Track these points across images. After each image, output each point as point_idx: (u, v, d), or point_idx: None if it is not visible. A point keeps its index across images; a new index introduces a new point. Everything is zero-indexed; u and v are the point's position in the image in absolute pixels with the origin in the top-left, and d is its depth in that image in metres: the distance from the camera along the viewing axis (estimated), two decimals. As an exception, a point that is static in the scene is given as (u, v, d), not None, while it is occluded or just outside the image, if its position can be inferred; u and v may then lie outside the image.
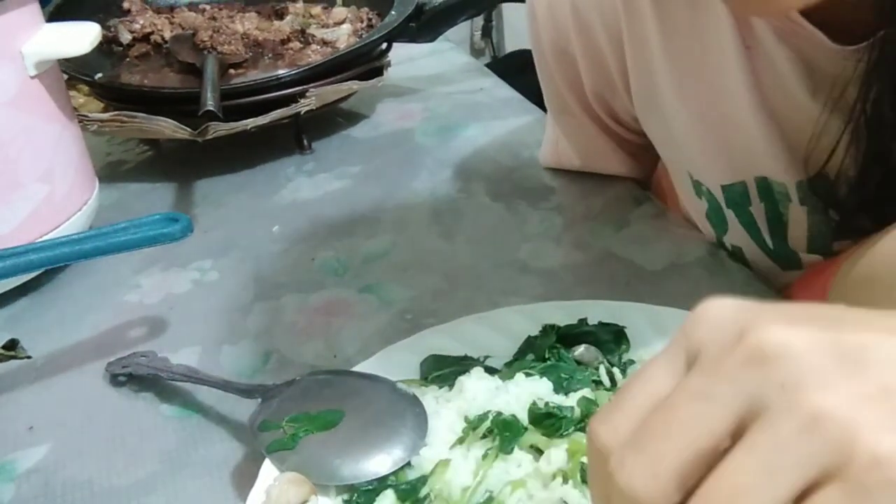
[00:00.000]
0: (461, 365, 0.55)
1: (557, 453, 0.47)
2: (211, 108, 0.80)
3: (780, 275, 0.68)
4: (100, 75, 0.92)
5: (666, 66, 0.65)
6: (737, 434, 0.27)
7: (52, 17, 0.89)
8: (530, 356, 0.56)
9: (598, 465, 0.29)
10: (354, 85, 0.91)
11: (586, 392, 0.52)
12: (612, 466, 0.28)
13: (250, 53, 0.96)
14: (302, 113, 0.88)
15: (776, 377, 0.26)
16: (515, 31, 2.41)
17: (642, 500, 0.27)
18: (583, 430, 0.50)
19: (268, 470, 0.49)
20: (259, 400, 0.54)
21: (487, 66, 1.20)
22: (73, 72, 0.89)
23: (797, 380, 0.26)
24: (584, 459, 0.47)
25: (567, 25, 0.72)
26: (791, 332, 0.27)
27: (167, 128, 0.85)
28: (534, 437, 0.50)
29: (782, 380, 0.26)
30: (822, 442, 0.26)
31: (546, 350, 0.56)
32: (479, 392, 0.52)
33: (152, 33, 1.00)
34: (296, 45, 0.98)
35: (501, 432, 0.50)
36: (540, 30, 0.75)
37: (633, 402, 0.29)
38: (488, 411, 0.51)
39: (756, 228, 0.66)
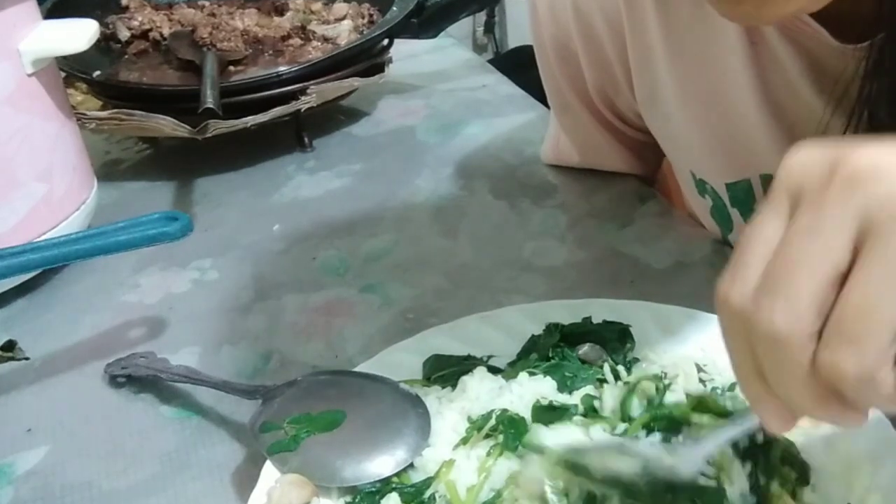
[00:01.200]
0: (464, 365, 0.55)
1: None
2: (210, 106, 0.79)
3: None
4: (98, 73, 0.92)
5: (668, 62, 0.64)
6: (856, 254, 0.29)
7: (50, 14, 0.88)
8: (534, 355, 0.56)
9: (735, 325, 0.32)
10: (355, 82, 0.91)
11: (590, 391, 0.52)
12: (751, 317, 0.30)
13: (250, 50, 0.96)
14: (302, 110, 0.88)
15: (876, 194, 0.29)
16: (518, 27, 2.40)
17: (788, 337, 0.30)
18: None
19: (269, 471, 0.49)
20: (260, 401, 0.54)
21: (490, 62, 1.20)
22: (70, 69, 0.89)
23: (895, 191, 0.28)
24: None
25: (568, 21, 0.72)
26: (879, 152, 0.29)
27: (166, 126, 0.85)
28: (538, 432, 0.49)
29: (882, 195, 0.29)
30: None
31: (550, 349, 0.55)
32: (482, 392, 0.52)
33: (151, 30, 1.00)
34: (296, 41, 0.97)
35: (507, 429, 0.49)
36: (541, 26, 0.75)
37: (754, 256, 0.31)
38: (493, 409, 0.50)
39: None
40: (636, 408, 0.49)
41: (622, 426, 0.49)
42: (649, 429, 0.48)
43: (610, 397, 0.50)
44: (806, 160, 0.31)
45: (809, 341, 0.30)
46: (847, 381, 0.29)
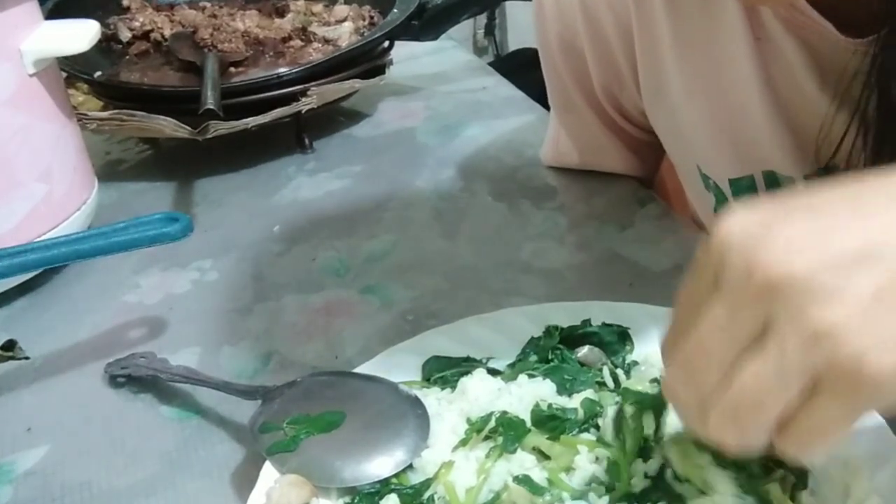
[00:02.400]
0: (463, 366, 0.55)
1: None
2: (211, 107, 0.79)
3: None
4: (99, 73, 0.92)
5: (675, 57, 0.65)
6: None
7: (51, 14, 0.88)
8: (533, 357, 0.56)
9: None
10: (356, 83, 0.91)
11: (590, 393, 0.52)
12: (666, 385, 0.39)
13: (251, 51, 0.96)
14: (303, 112, 0.88)
15: (785, 307, 0.33)
16: (519, 29, 2.41)
17: (690, 408, 0.37)
18: (586, 431, 0.49)
19: (268, 472, 0.49)
20: (259, 401, 0.54)
21: (490, 64, 1.20)
22: (71, 70, 0.89)
23: (800, 303, 0.32)
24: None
25: (575, 19, 0.72)
26: (792, 259, 0.33)
27: (167, 126, 0.85)
28: (537, 438, 0.49)
29: (788, 305, 0.32)
30: (822, 355, 0.32)
31: (549, 351, 0.55)
32: (481, 393, 0.52)
33: (152, 31, 1.00)
34: (297, 43, 0.97)
35: (506, 431, 0.49)
36: (547, 24, 0.75)
37: (681, 323, 0.37)
38: (492, 411, 0.50)
39: None
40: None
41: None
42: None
43: (612, 420, 0.48)
44: (734, 239, 0.34)
45: (706, 409, 0.35)
46: (728, 447, 0.36)
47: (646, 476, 0.45)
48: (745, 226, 0.34)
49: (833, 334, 0.32)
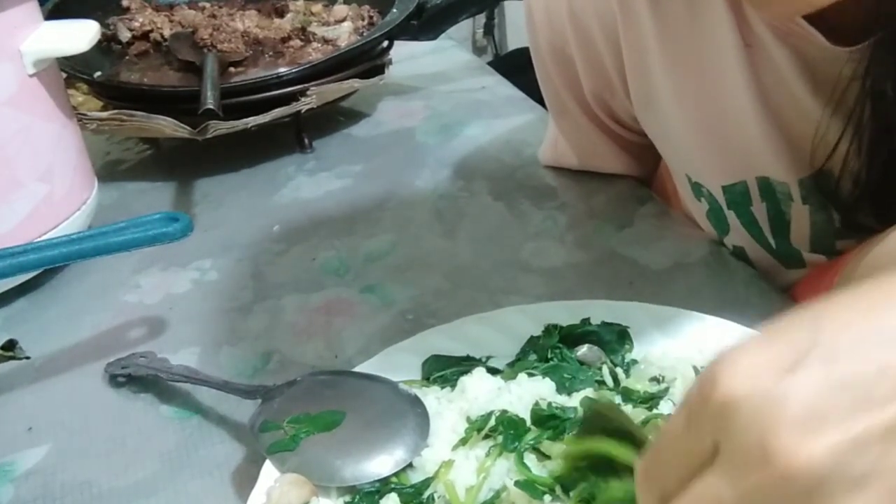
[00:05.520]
0: (463, 365, 0.55)
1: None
2: (211, 107, 0.79)
3: (784, 273, 0.67)
4: (99, 74, 0.92)
5: (664, 66, 0.64)
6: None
7: (51, 14, 0.89)
8: (533, 356, 0.56)
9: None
10: (355, 83, 0.91)
11: (589, 392, 0.52)
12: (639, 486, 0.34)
13: (250, 51, 0.96)
14: (302, 111, 0.88)
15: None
16: (518, 28, 2.40)
17: None
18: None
19: (268, 471, 0.49)
20: (259, 401, 0.54)
21: (489, 64, 1.20)
22: (71, 70, 0.89)
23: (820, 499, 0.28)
24: None
25: (564, 27, 0.72)
26: (813, 446, 0.28)
27: (167, 126, 0.85)
28: (537, 438, 0.49)
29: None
30: None
31: (549, 350, 0.55)
32: (481, 392, 0.52)
33: (152, 31, 1.00)
34: (296, 43, 0.97)
35: (506, 430, 0.49)
36: (537, 31, 0.75)
37: (658, 451, 0.33)
38: (492, 410, 0.50)
39: (758, 228, 0.66)
40: None
41: None
42: None
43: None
44: (741, 400, 0.30)
45: None
46: None
47: None
48: (753, 378, 0.29)
49: None
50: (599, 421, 0.43)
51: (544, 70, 0.77)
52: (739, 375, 0.29)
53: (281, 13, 1.03)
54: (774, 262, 0.67)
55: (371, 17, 1.01)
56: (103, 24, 0.97)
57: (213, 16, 1.01)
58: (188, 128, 0.84)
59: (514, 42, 2.46)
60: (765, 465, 0.28)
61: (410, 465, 0.49)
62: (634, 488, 0.35)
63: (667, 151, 0.72)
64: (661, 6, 0.63)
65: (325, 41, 0.97)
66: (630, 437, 0.41)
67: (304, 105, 0.87)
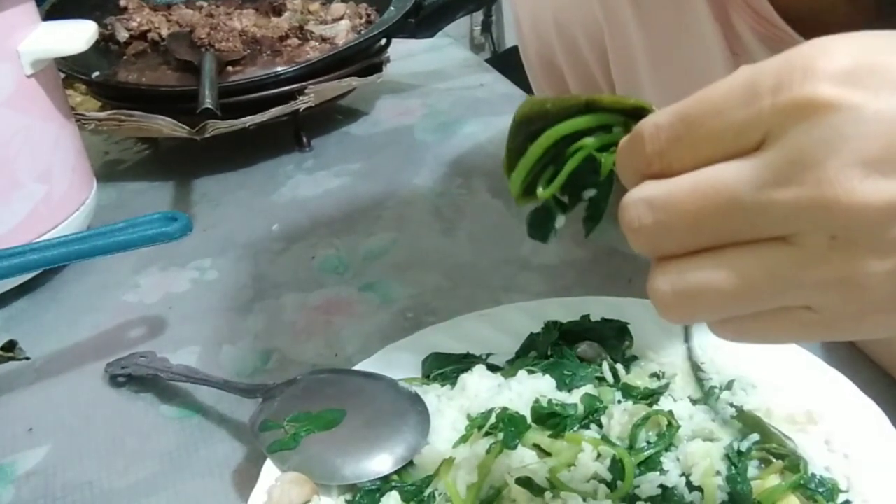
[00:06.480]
0: (463, 363, 0.55)
1: None
2: (209, 106, 0.79)
3: None
4: (97, 74, 0.92)
5: (651, 74, 0.64)
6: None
7: (49, 15, 0.88)
8: (533, 353, 0.56)
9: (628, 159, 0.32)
10: (353, 81, 0.91)
11: (589, 389, 0.52)
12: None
13: (248, 50, 0.96)
14: (301, 110, 0.88)
15: (843, 229, 0.27)
16: (515, 26, 2.40)
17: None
18: (587, 427, 0.49)
19: (269, 470, 0.49)
20: (260, 400, 0.54)
21: (487, 61, 1.20)
22: (69, 70, 0.89)
23: (857, 241, 0.27)
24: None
25: (551, 38, 0.72)
26: (882, 188, 0.26)
27: (165, 126, 0.85)
28: (537, 435, 0.49)
29: (847, 233, 0.27)
30: (837, 300, 0.28)
31: (548, 347, 0.55)
32: (481, 390, 0.52)
33: (149, 31, 1.00)
34: (294, 41, 0.97)
35: (507, 427, 0.49)
36: (526, 42, 0.76)
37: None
38: (492, 407, 0.50)
39: None
40: (644, 440, 0.47)
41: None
42: None
43: (617, 423, 0.49)
44: (794, 61, 0.28)
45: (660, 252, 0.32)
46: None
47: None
48: (850, 88, 0.27)
49: (866, 287, 0.27)
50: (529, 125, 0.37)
51: (535, 79, 0.78)
52: (837, 80, 0.27)
53: (278, 12, 1.03)
54: None
55: (369, 15, 1.01)
56: (101, 24, 0.97)
57: (211, 15, 1.01)
58: (186, 127, 0.84)
59: (511, 39, 2.45)
60: (814, 187, 0.26)
61: (411, 463, 0.49)
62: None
63: None
64: (646, 16, 0.63)
65: (323, 39, 0.97)
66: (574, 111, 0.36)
67: (302, 104, 0.87)
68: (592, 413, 0.50)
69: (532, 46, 0.75)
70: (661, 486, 0.45)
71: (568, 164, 0.36)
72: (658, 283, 0.31)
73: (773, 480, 0.44)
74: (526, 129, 0.37)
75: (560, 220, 0.39)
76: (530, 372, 0.53)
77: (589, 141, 0.35)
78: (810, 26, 0.52)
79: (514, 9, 0.77)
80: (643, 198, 0.30)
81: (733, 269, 0.29)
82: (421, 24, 1.01)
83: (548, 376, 0.53)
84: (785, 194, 0.27)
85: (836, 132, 0.26)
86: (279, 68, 0.89)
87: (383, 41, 0.96)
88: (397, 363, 0.55)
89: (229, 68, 0.93)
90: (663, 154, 0.30)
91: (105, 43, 0.99)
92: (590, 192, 0.38)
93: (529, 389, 0.52)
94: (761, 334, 0.31)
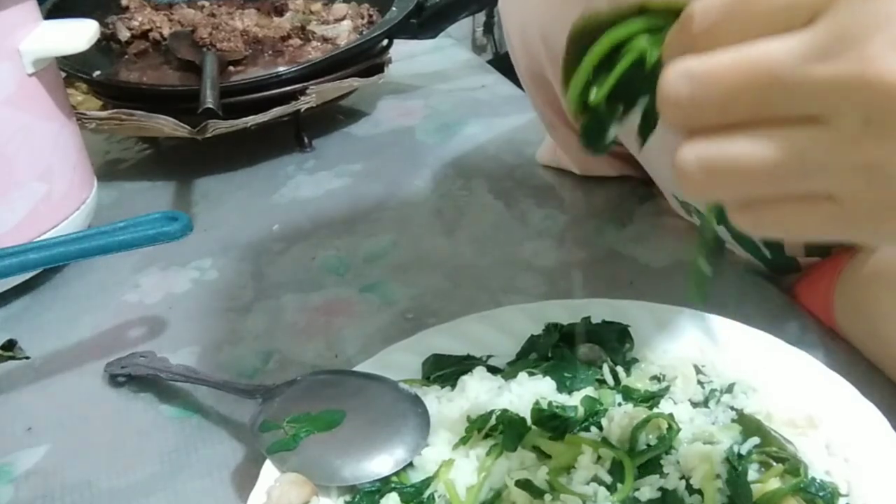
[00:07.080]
0: (463, 364, 0.55)
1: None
2: (210, 106, 0.79)
3: (780, 278, 0.67)
4: (98, 73, 0.92)
5: None
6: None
7: (50, 14, 0.88)
8: (533, 355, 0.56)
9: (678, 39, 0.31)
10: (355, 82, 0.91)
11: (590, 391, 0.52)
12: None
13: (250, 50, 0.96)
14: (302, 110, 0.88)
15: (877, 107, 0.26)
16: (516, 27, 2.40)
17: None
18: (587, 429, 0.49)
19: (268, 471, 0.49)
20: (259, 400, 0.54)
21: (489, 62, 1.20)
22: (71, 69, 0.89)
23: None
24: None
25: (539, 52, 0.72)
26: None
27: (166, 126, 0.85)
28: (537, 437, 0.49)
29: (882, 114, 0.26)
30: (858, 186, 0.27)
31: (549, 349, 0.55)
32: (481, 392, 0.52)
33: (151, 30, 1.00)
34: (296, 41, 0.97)
35: (506, 429, 0.49)
36: (516, 55, 0.76)
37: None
38: (492, 409, 0.50)
39: (752, 242, 0.65)
40: (644, 443, 0.47)
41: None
42: None
43: (617, 425, 0.48)
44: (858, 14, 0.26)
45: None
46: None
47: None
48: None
49: (893, 177, 0.27)
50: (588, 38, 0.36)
51: (528, 91, 0.78)
52: None
53: (280, 12, 1.03)
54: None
55: (370, 16, 1.01)
56: (102, 24, 0.97)
57: (213, 14, 1.01)
58: (188, 127, 0.84)
59: (513, 41, 2.45)
60: (855, 63, 0.26)
61: (411, 465, 0.49)
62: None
63: (652, 171, 0.72)
64: None
65: (325, 40, 0.97)
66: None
67: (303, 104, 0.87)
68: (592, 415, 0.50)
69: (522, 61, 0.76)
70: (661, 489, 0.45)
71: (619, 65, 0.35)
72: (685, 154, 0.31)
73: (774, 484, 0.44)
74: (580, 43, 0.36)
75: (614, 131, 0.39)
76: (531, 374, 0.53)
77: (640, 41, 0.34)
78: None
79: (504, 24, 0.77)
80: (682, 69, 0.29)
81: (762, 146, 0.28)
82: (423, 24, 1.01)
83: (548, 378, 0.53)
84: (825, 69, 0.27)
85: (885, 12, 0.26)
86: (281, 68, 0.90)
87: (385, 42, 0.96)
88: (397, 364, 0.55)
89: (231, 68, 0.93)
90: (710, 32, 0.29)
91: (106, 42, 0.99)
92: (644, 101, 0.37)
93: (530, 391, 0.51)
94: (779, 224, 0.30)
